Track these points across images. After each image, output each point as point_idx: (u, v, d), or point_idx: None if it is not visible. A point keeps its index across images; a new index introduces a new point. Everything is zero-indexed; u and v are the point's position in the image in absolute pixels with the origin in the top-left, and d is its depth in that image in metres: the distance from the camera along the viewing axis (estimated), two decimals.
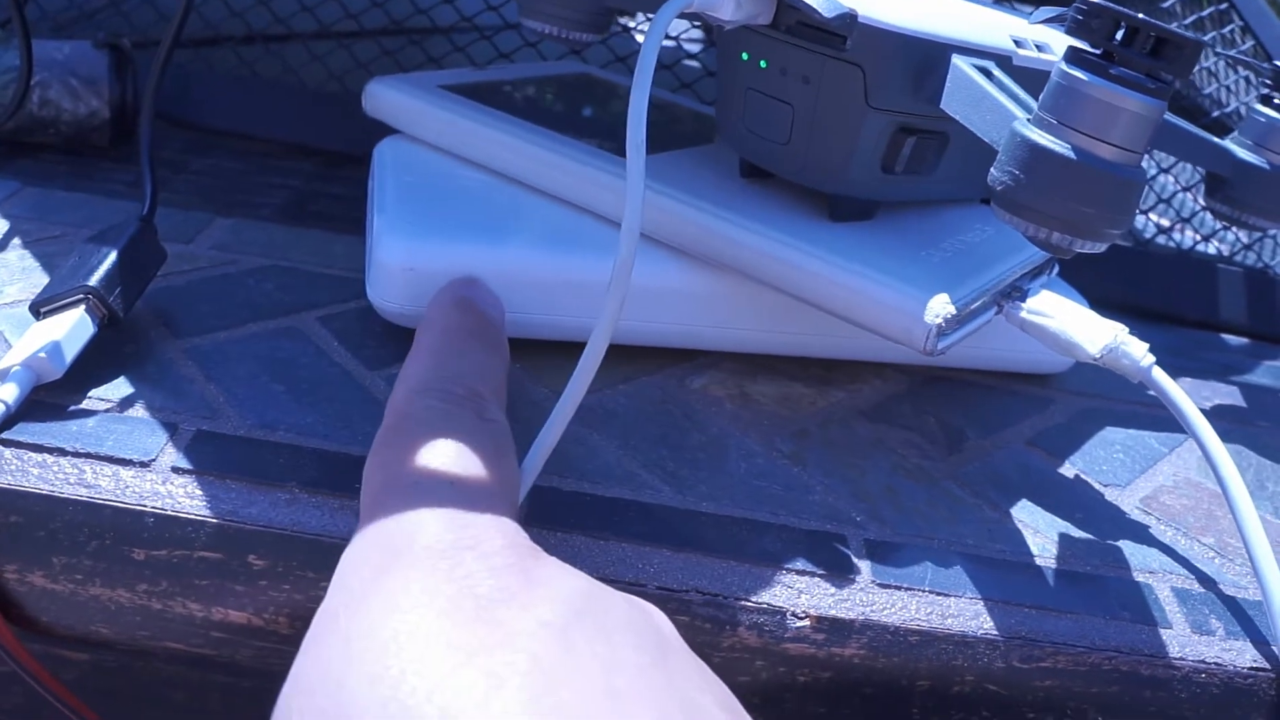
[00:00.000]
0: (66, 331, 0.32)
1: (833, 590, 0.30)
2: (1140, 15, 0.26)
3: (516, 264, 0.35)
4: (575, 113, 0.44)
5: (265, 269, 0.39)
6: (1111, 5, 0.27)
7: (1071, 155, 0.27)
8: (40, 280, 0.37)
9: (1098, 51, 0.27)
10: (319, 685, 0.19)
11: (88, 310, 0.33)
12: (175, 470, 0.29)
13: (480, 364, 0.29)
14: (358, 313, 0.37)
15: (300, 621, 0.29)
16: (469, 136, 0.40)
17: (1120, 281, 0.51)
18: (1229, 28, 0.63)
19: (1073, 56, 0.27)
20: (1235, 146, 0.41)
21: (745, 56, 0.35)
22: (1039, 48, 0.37)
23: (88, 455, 0.29)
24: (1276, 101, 0.41)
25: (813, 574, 0.30)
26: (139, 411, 0.31)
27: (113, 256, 0.34)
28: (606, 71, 0.52)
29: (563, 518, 0.30)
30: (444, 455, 0.24)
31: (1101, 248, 0.28)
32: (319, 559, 0.29)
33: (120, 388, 0.32)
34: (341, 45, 0.53)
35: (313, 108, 0.51)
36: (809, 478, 0.33)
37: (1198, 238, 0.58)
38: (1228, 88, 0.68)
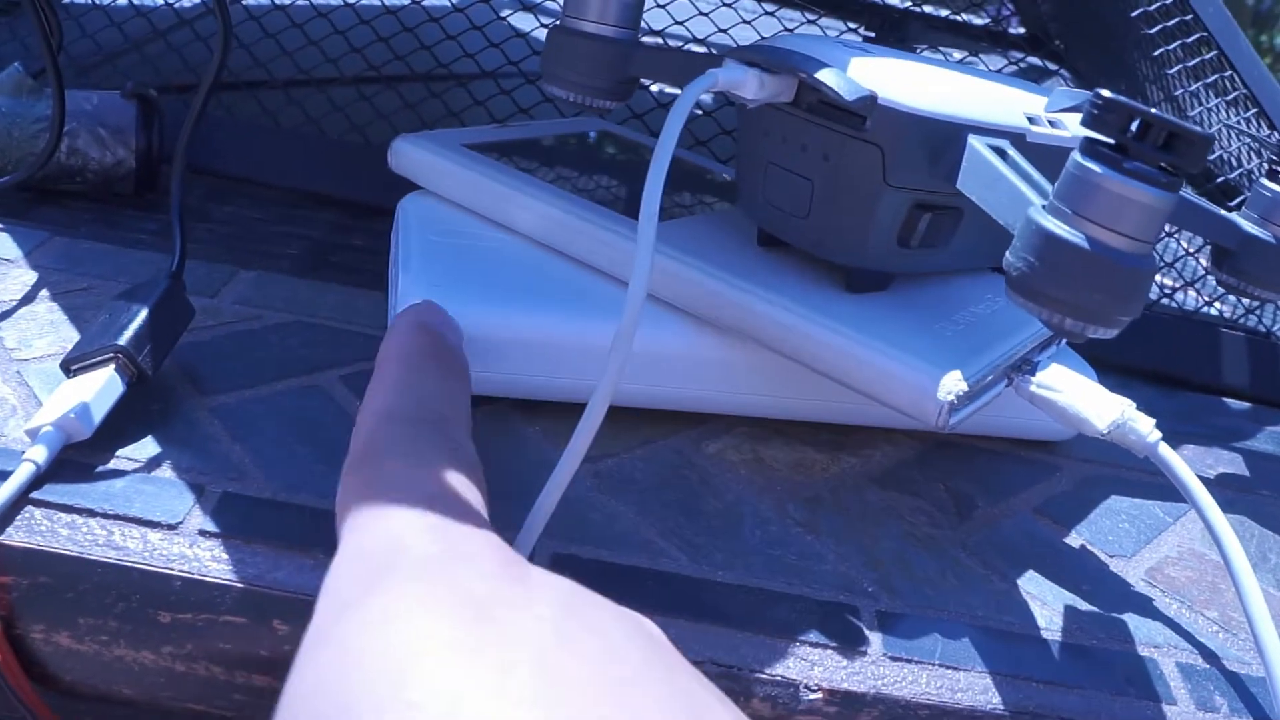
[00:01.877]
0: (96, 392, 0.32)
1: (845, 663, 0.30)
2: (1153, 111, 0.27)
3: (538, 328, 0.35)
4: (597, 173, 0.44)
5: (289, 325, 0.40)
6: (1126, 101, 0.27)
7: (1085, 245, 0.27)
8: (68, 334, 0.37)
9: (1112, 143, 0.28)
10: (317, 693, 0.18)
11: (117, 369, 0.33)
12: (202, 533, 0.30)
13: (444, 389, 0.29)
14: None
15: None
16: (492, 197, 0.40)
17: (1126, 344, 0.51)
18: (1233, 94, 0.64)
19: (1087, 149, 0.28)
20: (1242, 220, 0.42)
21: (767, 134, 0.36)
22: (1052, 124, 0.38)
23: (116, 517, 0.30)
24: None
25: (825, 646, 0.30)
26: (166, 472, 0.32)
27: (143, 315, 0.35)
28: (626, 129, 0.52)
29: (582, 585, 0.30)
30: (418, 475, 0.25)
31: (1113, 333, 0.29)
32: None
33: (148, 447, 0.33)
34: (363, 96, 0.54)
35: (333, 158, 0.52)
36: (822, 546, 0.34)
37: (1203, 300, 0.59)
38: (1230, 153, 0.68)
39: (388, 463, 0.25)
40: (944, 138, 0.33)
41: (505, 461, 0.35)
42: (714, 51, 0.39)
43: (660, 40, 0.62)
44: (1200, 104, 0.68)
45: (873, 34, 0.47)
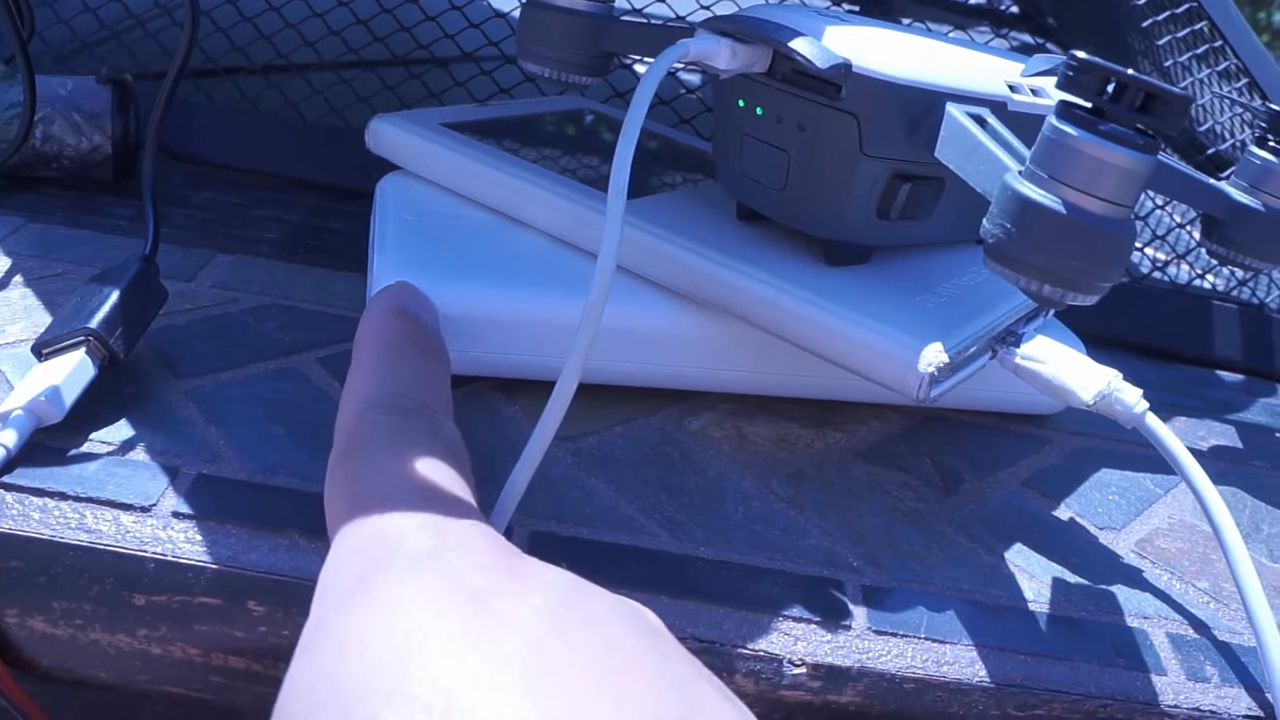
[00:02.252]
0: (67, 375, 0.32)
1: (829, 637, 0.30)
2: (1130, 71, 0.27)
3: (515, 306, 0.35)
4: (576, 150, 0.44)
5: (266, 308, 0.40)
6: (1101, 62, 0.27)
7: (1062, 210, 0.27)
8: (42, 319, 0.37)
9: (1088, 106, 0.28)
10: (317, 686, 0.18)
11: (89, 352, 0.33)
12: (176, 515, 0.30)
13: (424, 373, 0.29)
14: None
15: None
16: (470, 175, 0.40)
17: (1117, 317, 0.51)
18: (1224, 65, 0.63)
19: (1063, 111, 0.28)
20: (1231, 188, 0.41)
21: (742, 103, 0.35)
22: (1034, 92, 0.37)
23: (88, 500, 0.30)
24: (1271, 144, 0.41)
25: (809, 621, 0.30)
26: (140, 455, 0.31)
27: (114, 297, 0.34)
28: (607, 106, 0.52)
29: (560, 563, 0.30)
30: (407, 467, 0.25)
31: (1093, 300, 0.28)
32: None
33: (121, 430, 0.32)
34: (342, 80, 0.54)
35: (313, 142, 0.51)
36: (806, 521, 0.34)
37: (1195, 273, 0.58)
38: (1222, 125, 0.68)
39: (374, 456, 0.25)
40: (922, 106, 0.33)
41: (485, 442, 0.34)
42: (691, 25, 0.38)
43: (641, 17, 0.62)
44: (1191, 75, 0.68)
45: (856, 7, 0.47)
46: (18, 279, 0.39)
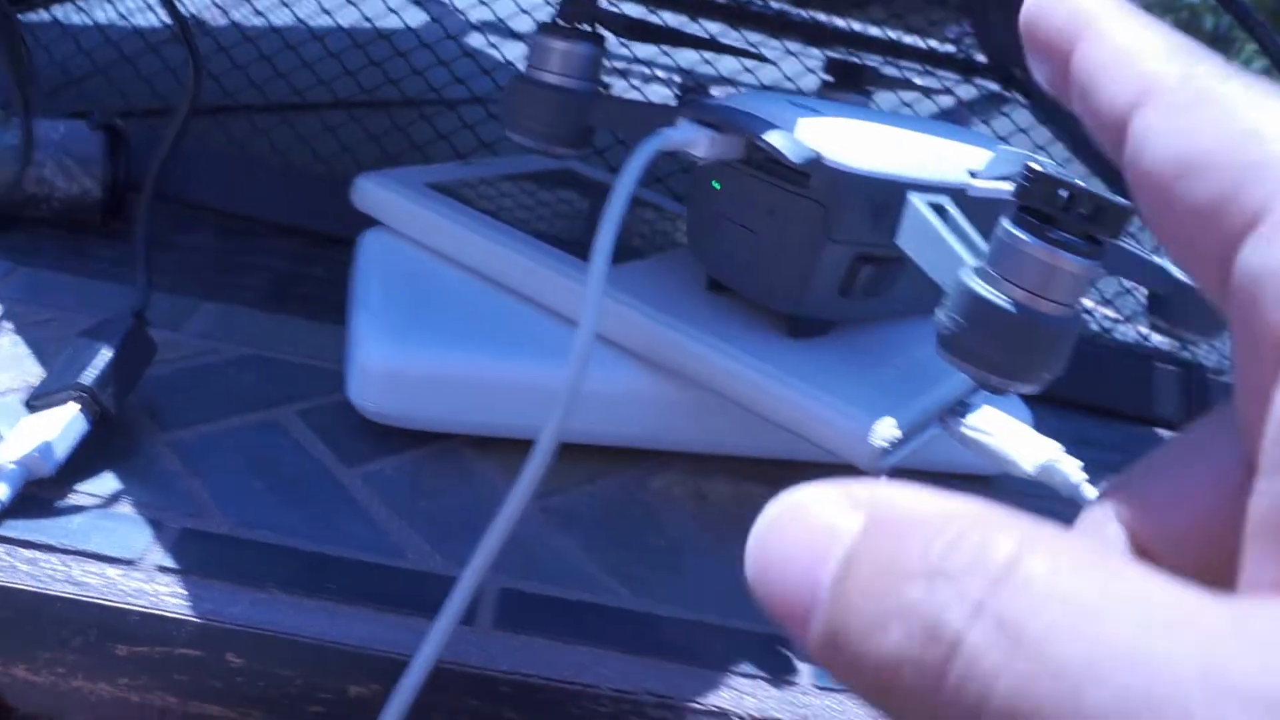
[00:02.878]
0: (60, 430, 0.33)
1: (775, 693, 0.31)
2: (1079, 183, 0.29)
3: (495, 373, 0.37)
4: (558, 214, 0.46)
5: (248, 359, 0.41)
6: (1053, 174, 0.29)
7: (1011, 309, 0.29)
8: (31, 368, 0.38)
9: (1041, 213, 0.29)
10: None
11: (82, 409, 0.34)
12: (160, 569, 0.31)
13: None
14: (337, 407, 0.39)
15: (275, 716, 0.30)
16: (452, 238, 0.41)
17: (1065, 377, 0.53)
18: None
19: (1017, 217, 0.30)
20: (1171, 266, 0.43)
21: (717, 186, 0.37)
22: (1000, 180, 0.39)
23: (76, 553, 0.31)
24: None
25: (757, 676, 0.32)
26: (125, 508, 0.33)
27: (107, 355, 0.35)
28: (590, 167, 0.54)
29: (527, 621, 0.32)
30: None
31: (1036, 389, 0.30)
32: (294, 657, 0.30)
33: (107, 482, 0.34)
34: (328, 129, 0.55)
35: (298, 188, 0.53)
36: None
37: (1141, 333, 0.60)
38: None
39: (1243, 117, 0.16)
40: (885, 195, 0.35)
41: (458, 498, 0.36)
42: (674, 98, 0.40)
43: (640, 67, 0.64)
44: None
45: (831, 78, 0.49)
46: (7, 326, 0.41)
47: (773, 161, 0.35)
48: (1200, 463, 0.15)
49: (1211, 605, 0.11)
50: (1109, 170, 0.83)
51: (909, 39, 0.98)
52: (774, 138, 0.34)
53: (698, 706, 0.31)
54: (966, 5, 1.00)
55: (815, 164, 0.34)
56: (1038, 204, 0.29)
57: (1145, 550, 0.15)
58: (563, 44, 0.41)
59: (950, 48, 1.01)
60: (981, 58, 1.01)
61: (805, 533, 0.13)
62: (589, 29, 0.41)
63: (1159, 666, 0.10)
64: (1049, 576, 0.11)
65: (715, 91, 0.67)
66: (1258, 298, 0.12)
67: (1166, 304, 0.43)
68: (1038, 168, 0.29)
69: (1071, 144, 0.87)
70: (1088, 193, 0.29)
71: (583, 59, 0.40)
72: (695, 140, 0.34)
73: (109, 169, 0.49)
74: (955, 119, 0.89)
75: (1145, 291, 0.44)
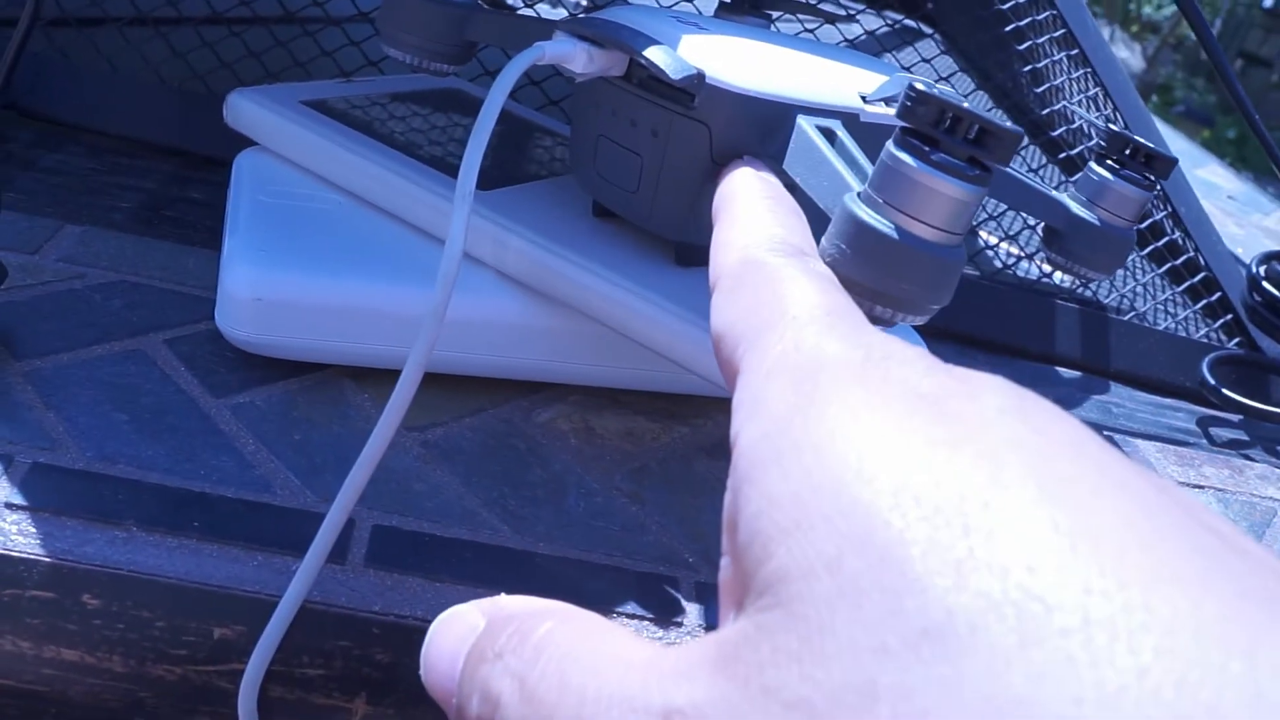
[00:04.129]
0: None
1: (660, 634, 0.31)
2: (964, 105, 0.28)
3: (367, 295, 0.35)
4: (439, 132, 0.44)
5: (113, 284, 0.39)
6: (938, 94, 0.28)
7: (894, 235, 0.28)
8: None
9: (924, 135, 0.29)
10: (800, 495, 0.16)
11: None
12: (8, 506, 0.29)
13: (793, 226, 0.28)
14: (207, 335, 0.37)
15: (135, 660, 0.29)
16: (327, 158, 0.40)
17: (964, 314, 0.53)
18: (1083, 71, 0.66)
19: (900, 140, 0.29)
20: (1070, 201, 0.43)
21: (597, 106, 0.36)
22: (889, 103, 0.38)
23: None
24: (1109, 162, 0.43)
25: (642, 618, 0.31)
26: None
27: None
28: (475, 86, 0.52)
29: (400, 559, 0.31)
30: (803, 292, 0.22)
31: (923, 319, 0.30)
32: (154, 598, 0.29)
33: None
34: (205, 43, 0.52)
35: (172, 106, 0.50)
36: (645, 517, 0.35)
37: (1042, 270, 0.61)
38: (1087, 121, 0.71)
39: (765, 287, 0.23)
40: (773, 118, 0.34)
41: (334, 431, 0.35)
42: (571, 15, 0.39)
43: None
44: (1063, 73, 0.70)
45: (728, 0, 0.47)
46: None
47: (655, 80, 0.34)
48: None
49: (641, 652, 0.17)
50: (1016, 105, 0.83)
51: None
52: (655, 54, 0.32)
53: None
54: None
55: (698, 82, 0.32)
56: (922, 126, 0.28)
57: None
58: None
59: None
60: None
61: (453, 632, 0.20)
62: None
63: (589, 693, 0.16)
64: (556, 646, 0.17)
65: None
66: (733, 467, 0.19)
67: (1062, 239, 0.43)
68: (921, 88, 0.28)
69: (980, 77, 0.86)
70: (973, 115, 0.28)
71: None
72: (572, 55, 0.33)
73: None
74: (862, 50, 0.88)
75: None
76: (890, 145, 0.29)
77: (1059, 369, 0.54)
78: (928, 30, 1.00)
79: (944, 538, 0.14)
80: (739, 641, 0.15)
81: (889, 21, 0.90)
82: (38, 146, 0.49)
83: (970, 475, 0.15)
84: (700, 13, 0.45)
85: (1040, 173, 0.76)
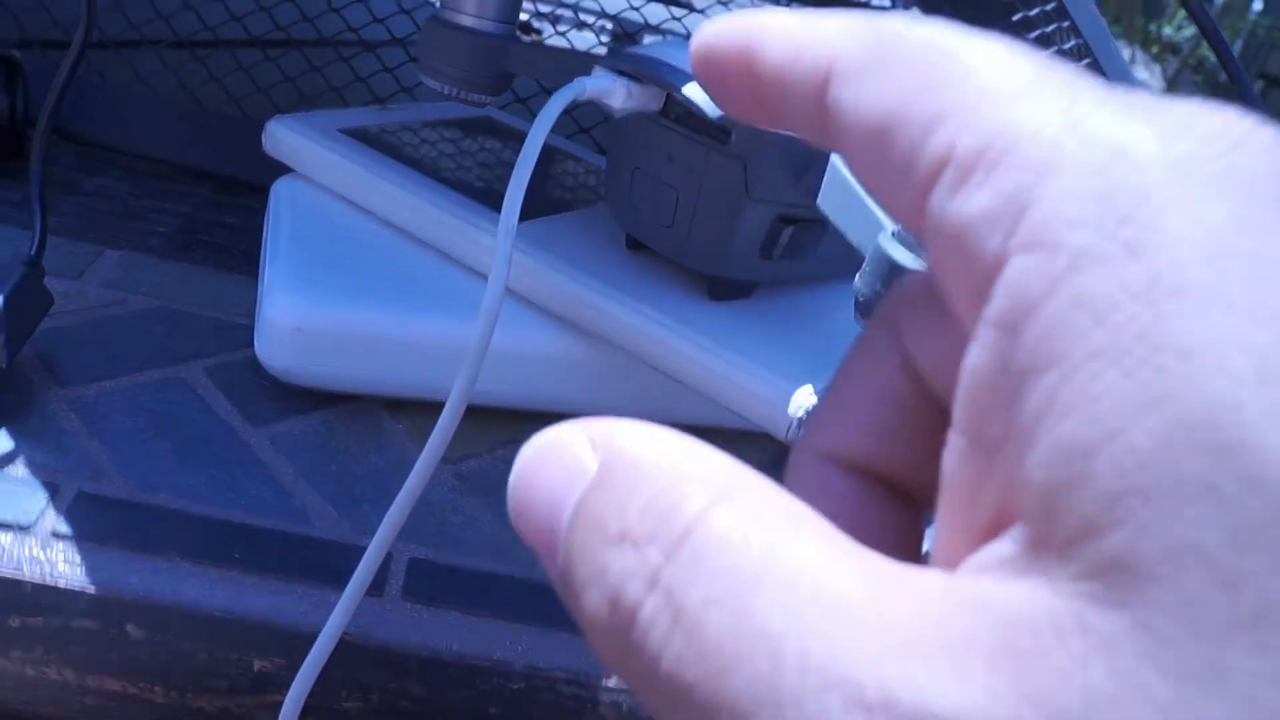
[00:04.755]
0: None
1: None
2: None
3: (407, 331, 0.35)
4: (475, 161, 0.44)
5: (154, 311, 0.40)
6: None
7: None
8: None
9: None
10: (1197, 439, 0.09)
11: None
12: (55, 535, 0.30)
13: None
14: (245, 363, 0.38)
15: (176, 691, 0.30)
16: (366, 187, 0.40)
17: None
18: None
19: None
20: None
21: (635, 140, 0.36)
22: None
23: None
24: None
25: None
26: (19, 470, 0.32)
27: None
28: (508, 115, 0.52)
29: (437, 592, 0.31)
30: (996, 53, 0.13)
31: None
32: (196, 630, 0.29)
33: (1, 442, 0.32)
34: (241, 67, 0.53)
35: (209, 130, 0.51)
36: None
37: None
38: None
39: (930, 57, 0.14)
40: (807, 155, 0.34)
41: (370, 461, 0.35)
42: (599, 41, 0.39)
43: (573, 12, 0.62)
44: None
45: None
46: None
47: (692, 116, 0.34)
48: (873, 374, 0.15)
49: (866, 591, 0.11)
50: None
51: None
52: (693, 91, 0.33)
53: (612, 684, 0.30)
54: None
55: (734, 120, 0.33)
56: None
57: (855, 463, 0.15)
58: None
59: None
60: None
61: (554, 471, 0.13)
62: None
63: (788, 657, 0.10)
64: (721, 543, 0.11)
65: (647, 40, 0.66)
66: (941, 247, 0.12)
67: None
68: None
69: None
70: None
71: (500, 1, 0.39)
72: (611, 91, 0.33)
73: (5, 102, 0.47)
74: None
75: None
76: None
77: None
78: None
79: None
80: (1064, 632, 0.10)
81: None
82: (78, 170, 0.49)
83: None
84: None
85: None
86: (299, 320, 0.35)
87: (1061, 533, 0.10)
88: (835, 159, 0.34)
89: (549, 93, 0.33)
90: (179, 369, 0.37)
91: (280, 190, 0.42)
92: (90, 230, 0.44)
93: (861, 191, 0.32)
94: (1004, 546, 0.11)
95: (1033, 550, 0.10)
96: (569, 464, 0.13)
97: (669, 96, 0.34)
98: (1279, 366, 0.10)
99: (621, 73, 0.34)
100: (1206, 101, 0.12)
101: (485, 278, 0.38)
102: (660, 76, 0.33)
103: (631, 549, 0.12)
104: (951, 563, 0.12)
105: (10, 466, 0.32)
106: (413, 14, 0.60)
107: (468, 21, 0.39)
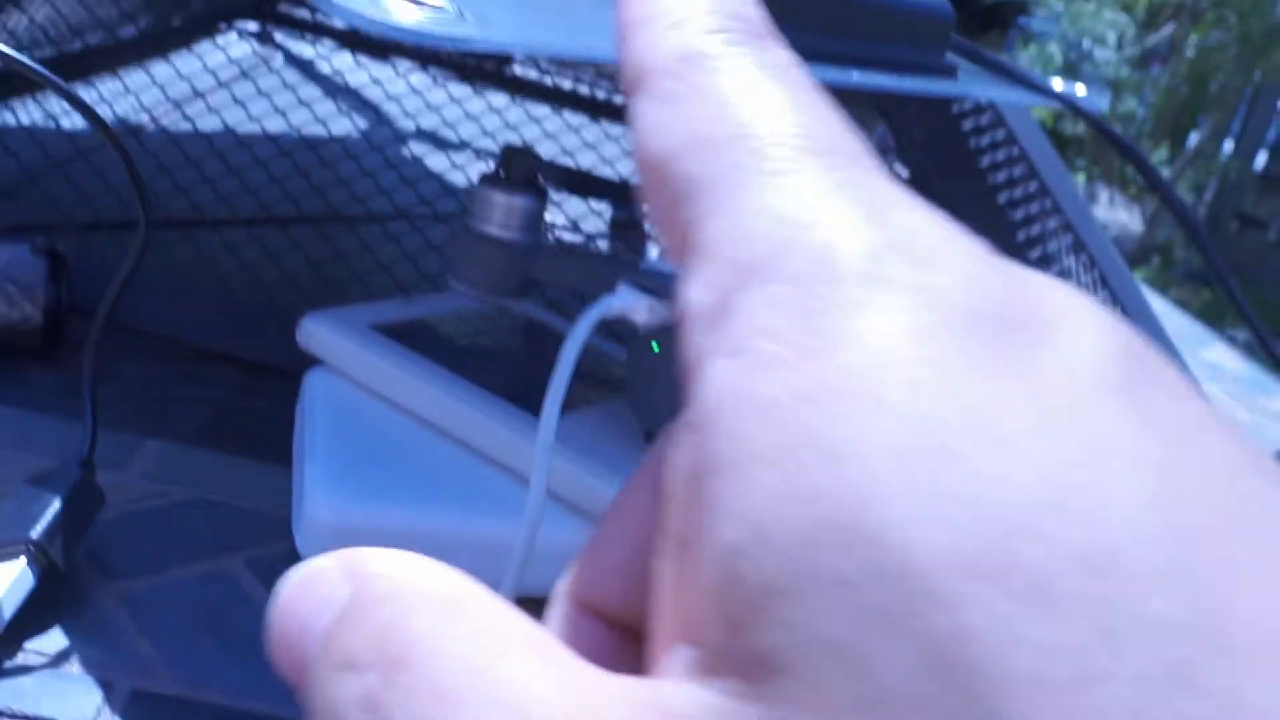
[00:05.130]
0: (7, 587, 0.33)
1: None
2: None
3: (443, 528, 0.38)
4: (505, 357, 0.47)
5: (193, 503, 0.41)
6: None
7: None
8: None
9: None
10: (811, 538, 0.10)
11: (30, 562, 0.34)
12: None
13: None
14: (282, 555, 0.40)
15: None
16: (401, 387, 0.42)
17: None
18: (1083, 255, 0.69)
19: None
20: None
21: (656, 348, 0.39)
22: None
23: (27, 718, 0.31)
24: None
25: None
26: (74, 667, 0.33)
27: (56, 506, 0.36)
28: (533, 307, 0.55)
29: None
30: (778, 117, 0.14)
31: None
32: None
33: (56, 639, 0.34)
34: (270, 256, 0.56)
35: (238, 317, 0.54)
36: None
37: None
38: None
39: (720, 89, 0.15)
40: None
41: None
42: (616, 252, 0.42)
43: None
44: (1054, 241, 0.73)
45: None
46: None
47: None
48: (630, 517, 0.15)
49: (564, 701, 0.11)
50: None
51: None
52: None
53: None
54: (882, 108, 1.04)
55: None
56: None
57: (606, 614, 0.15)
58: (504, 197, 0.42)
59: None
60: (903, 171, 1.05)
61: (309, 602, 0.13)
62: (530, 182, 0.43)
63: None
64: (436, 664, 0.11)
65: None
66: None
67: None
68: None
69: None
70: None
71: (524, 212, 0.42)
72: (635, 308, 0.36)
73: (51, 295, 0.49)
74: None
75: None
76: None
77: None
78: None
79: (1074, 664, 0.09)
80: None
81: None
82: (113, 355, 0.51)
83: (1103, 526, 0.10)
84: None
85: None
86: (340, 518, 0.37)
87: (720, 634, 0.11)
88: None
89: (576, 297, 0.35)
90: (220, 561, 0.39)
91: (313, 383, 0.44)
92: (128, 418, 0.46)
93: None
94: (687, 649, 0.11)
95: (704, 651, 0.11)
96: (322, 594, 0.13)
97: None
98: (916, 465, 0.10)
99: (644, 288, 0.37)
100: (934, 213, 0.13)
101: (515, 472, 0.40)
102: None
103: (354, 675, 0.12)
104: (654, 667, 0.12)
105: (66, 664, 0.33)
106: (416, 186, 0.63)
107: (495, 232, 0.42)
